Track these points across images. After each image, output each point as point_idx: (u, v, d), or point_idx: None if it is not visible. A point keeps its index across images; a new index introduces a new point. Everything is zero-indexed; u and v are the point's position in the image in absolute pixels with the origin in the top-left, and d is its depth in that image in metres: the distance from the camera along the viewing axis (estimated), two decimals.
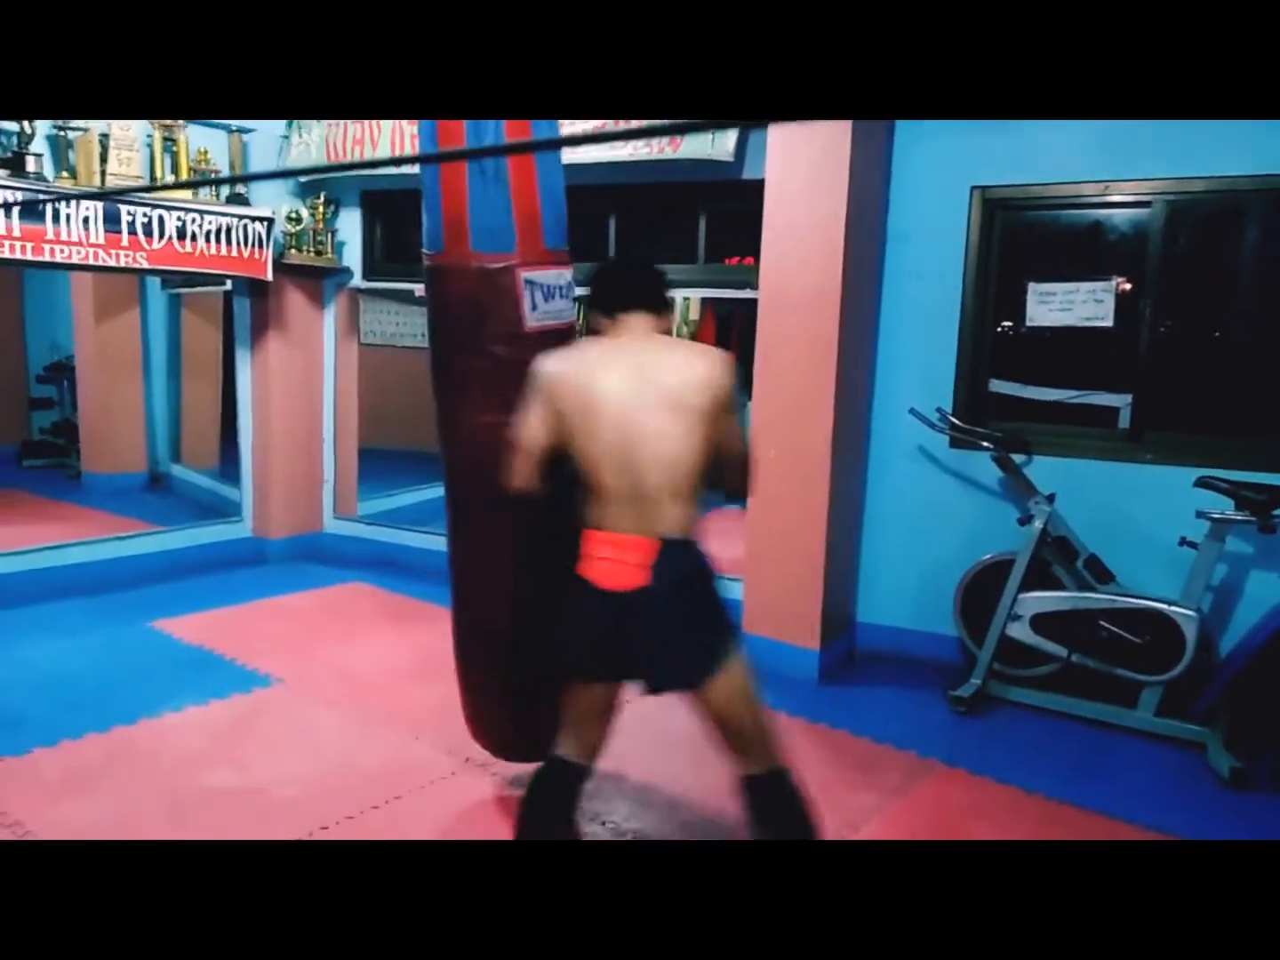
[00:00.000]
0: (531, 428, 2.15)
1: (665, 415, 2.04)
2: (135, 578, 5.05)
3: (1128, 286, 3.99)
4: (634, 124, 3.45)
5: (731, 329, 7.25)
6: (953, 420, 4.09)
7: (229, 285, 5.65)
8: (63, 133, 4.48)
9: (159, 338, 7.28)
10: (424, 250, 2.51)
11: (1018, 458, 3.99)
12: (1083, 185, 3.96)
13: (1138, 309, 3.94)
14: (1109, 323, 3.98)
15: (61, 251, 4.30)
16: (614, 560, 2.06)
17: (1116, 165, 3.86)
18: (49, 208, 4.18)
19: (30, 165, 4.29)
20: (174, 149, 4.86)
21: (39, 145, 4.40)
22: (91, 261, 4.43)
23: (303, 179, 5.52)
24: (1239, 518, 3.42)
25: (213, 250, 4.89)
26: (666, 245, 4.86)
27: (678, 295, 7.91)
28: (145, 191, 4.59)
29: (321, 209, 5.45)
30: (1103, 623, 3.65)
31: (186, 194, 4.85)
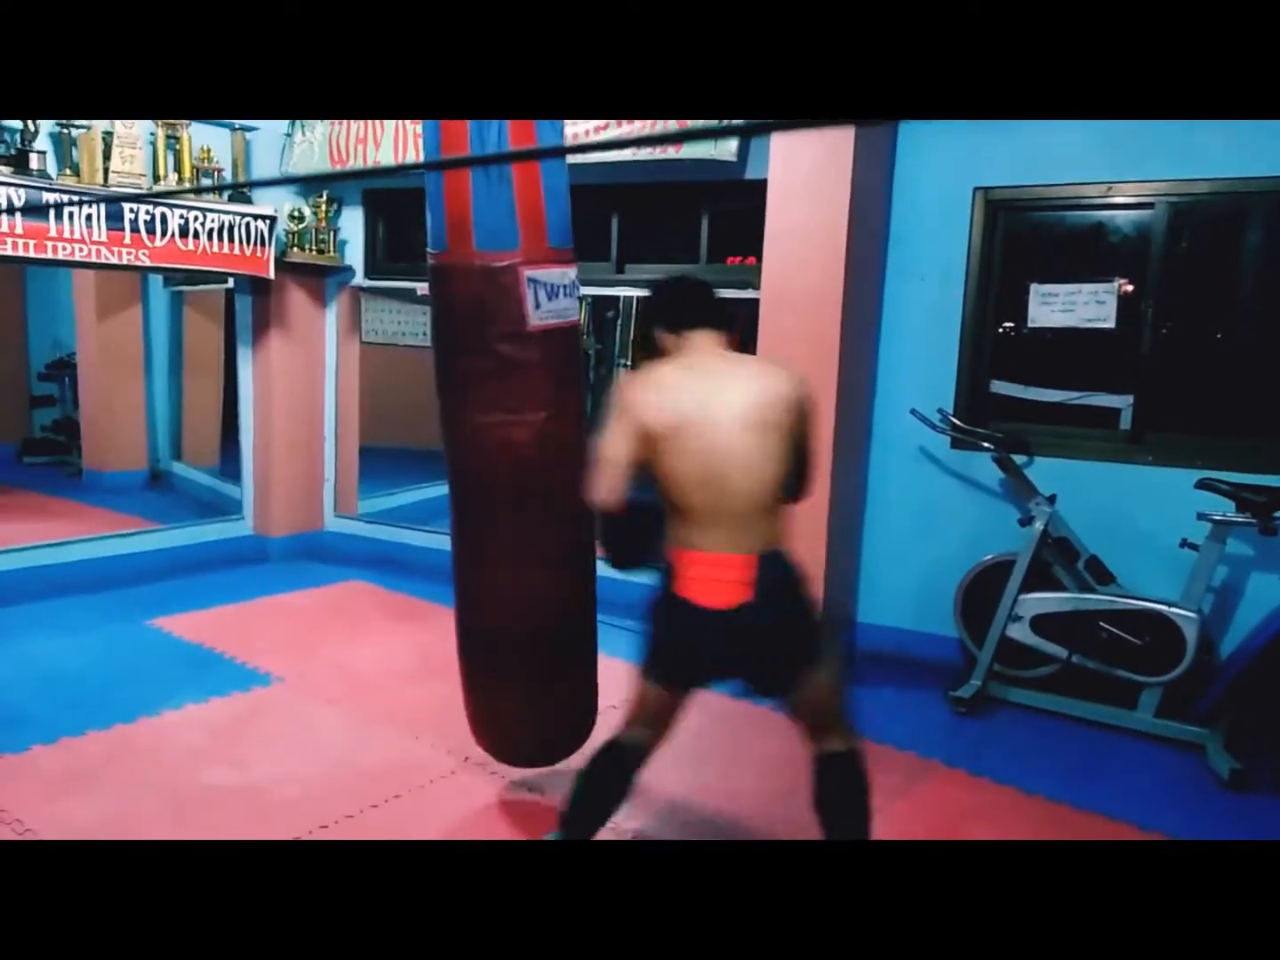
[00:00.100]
0: (617, 445, 2.14)
1: (750, 433, 2.09)
2: (136, 575, 5.05)
3: (1130, 288, 3.99)
4: (637, 131, 3.47)
5: (733, 329, 7.24)
6: (954, 421, 4.09)
7: (231, 283, 5.65)
8: (66, 130, 4.48)
9: (161, 335, 7.29)
10: (428, 250, 2.51)
11: (1019, 459, 3.99)
12: (1085, 187, 3.96)
13: (1139, 310, 3.94)
14: (1111, 324, 3.98)
15: (64, 249, 4.30)
16: (712, 579, 2.10)
17: (1119, 167, 3.86)
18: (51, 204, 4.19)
19: (34, 163, 4.30)
20: (177, 147, 4.87)
21: (42, 142, 4.41)
22: (94, 259, 4.44)
23: None
24: (1240, 519, 3.42)
25: (215, 248, 4.89)
26: (668, 245, 4.86)
27: None
28: (150, 197, 4.59)
29: (324, 207, 5.46)
30: (1103, 624, 3.65)
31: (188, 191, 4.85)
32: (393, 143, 4.99)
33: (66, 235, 4.29)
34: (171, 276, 6.76)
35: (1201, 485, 3.52)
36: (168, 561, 5.25)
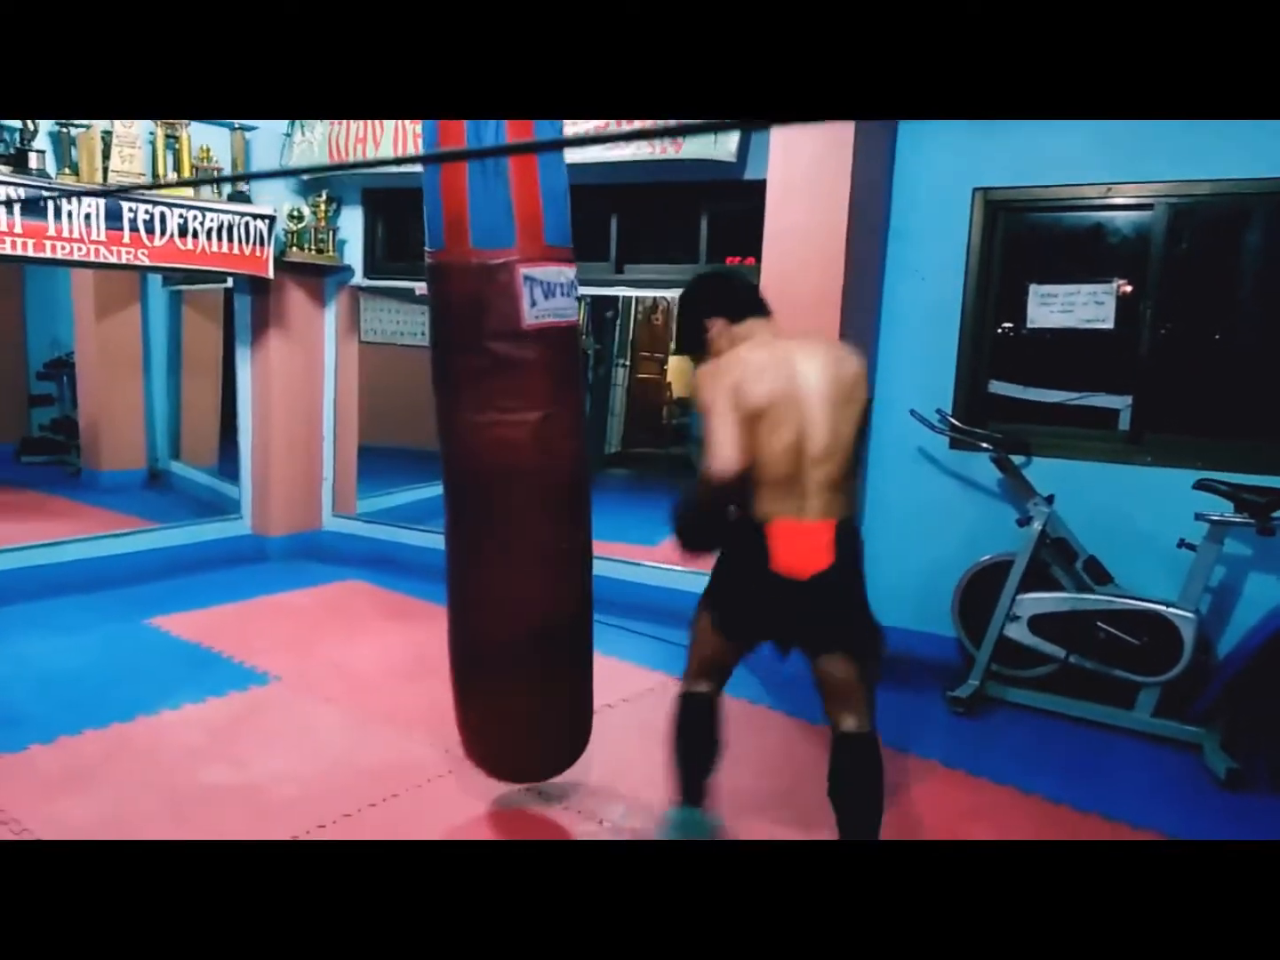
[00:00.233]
0: (728, 425, 2.17)
1: (832, 406, 2.25)
2: (134, 575, 5.05)
3: (1129, 289, 3.99)
4: (635, 125, 3.46)
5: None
6: (952, 421, 4.09)
7: (230, 283, 5.65)
8: (65, 129, 4.48)
9: (159, 335, 7.29)
10: (425, 248, 2.50)
11: (1017, 459, 3.99)
12: (1085, 187, 3.97)
13: (1138, 311, 3.94)
14: (1110, 325, 3.99)
15: (63, 248, 4.30)
16: (802, 546, 2.24)
17: (1119, 168, 3.86)
18: (50, 204, 4.18)
19: (33, 162, 4.30)
20: (176, 146, 4.86)
21: (41, 142, 4.41)
22: (93, 258, 4.43)
23: (305, 177, 5.52)
24: (1238, 520, 3.43)
25: (214, 248, 4.89)
26: (668, 245, 4.86)
27: (678, 295, 7.92)
28: (149, 189, 4.59)
29: (323, 207, 5.46)
30: (1101, 624, 3.66)
31: (188, 191, 4.85)
32: (392, 141, 4.99)
33: (65, 234, 4.29)
34: (170, 276, 6.76)
35: (1200, 486, 3.53)
36: (166, 561, 5.25)
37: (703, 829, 2.52)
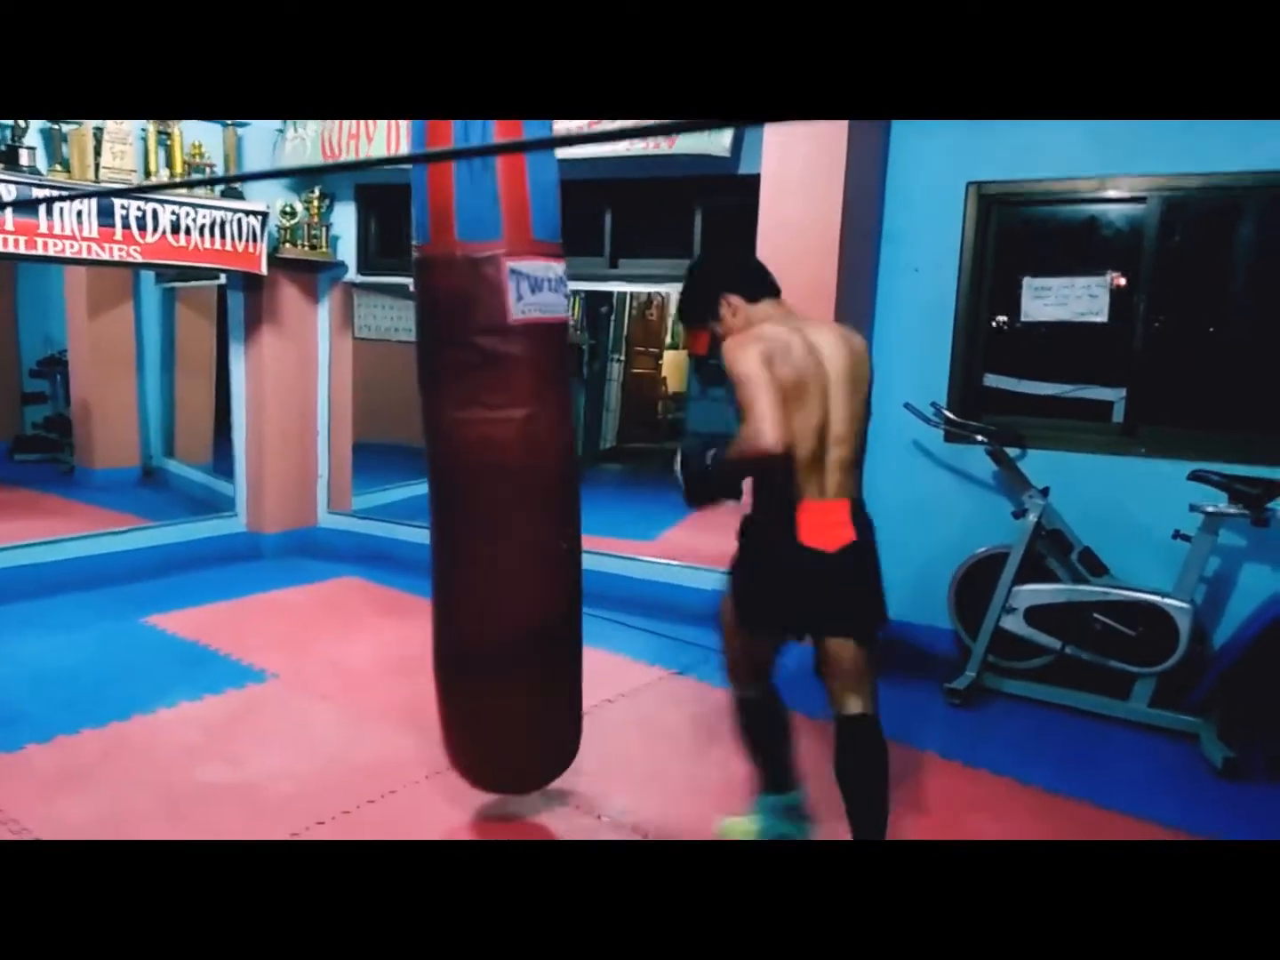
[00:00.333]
0: (776, 410, 2.12)
1: (850, 385, 2.29)
2: (129, 573, 5.04)
3: (1122, 282, 4.00)
4: (627, 123, 3.45)
5: None
6: (947, 415, 4.10)
7: (223, 279, 5.63)
8: (56, 127, 4.46)
9: (152, 332, 7.26)
10: (412, 242, 2.46)
11: (1012, 452, 4.00)
12: (1078, 181, 3.97)
13: (1132, 304, 3.95)
14: (1103, 318, 3.99)
15: (55, 245, 4.28)
16: (828, 523, 2.27)
17: (1112, 161, 3.87)
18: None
19: (24, 159, 4.28)
20: (168, 143, 4.85)
21: (32, 138, 4.38)
22: (85, 255, 4.41)
23: None
24: (1232, 511, 3.44)
25: (206, 244, 4.87)
26: (662, 240, 4.86)
27: (673, 290, 7.91)
28: (142, 191, 4.57)
29: (316, 203, 5.44)
30: (1096, 615, 3.67)
31: (180, 188, 4.83)
32: (385, 139, 4.98)
33: (57, 231, 4.27)
34: (163, 273, 6.73)
35: (1194, 477, 3.54)
36: (161, 559, 5.24)
37: (795, 809, 2.56)
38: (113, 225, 4.47)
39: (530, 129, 2.34)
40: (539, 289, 2.39)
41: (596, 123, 3.95)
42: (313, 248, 5.47)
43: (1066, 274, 4.06)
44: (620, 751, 3.29)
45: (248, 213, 5.03)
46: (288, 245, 5.37)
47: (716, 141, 4.17)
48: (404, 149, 4.88)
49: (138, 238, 4.58)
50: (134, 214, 4.55)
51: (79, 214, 4.33)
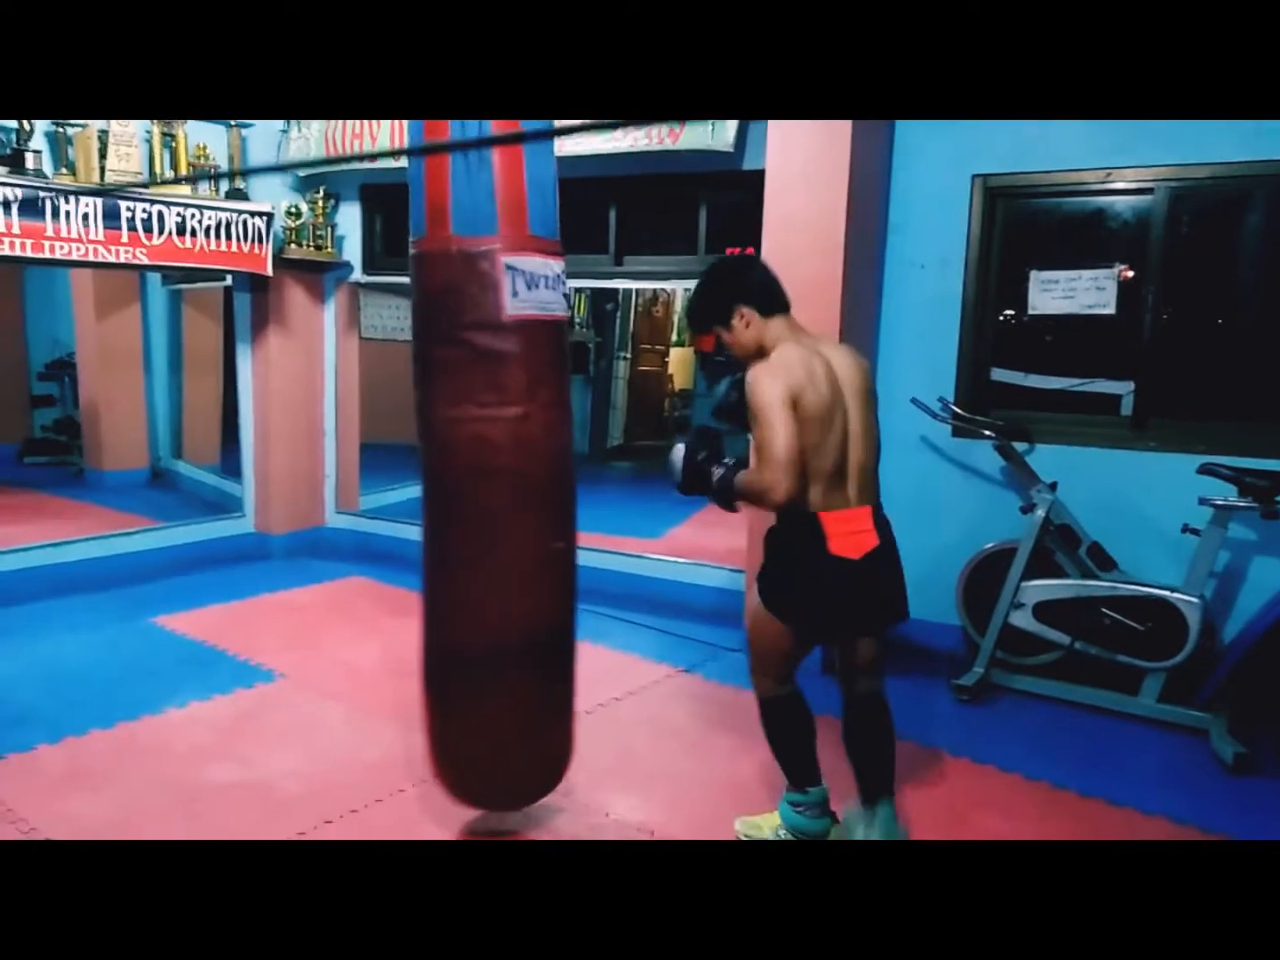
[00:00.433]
0: (789, 435, 2.23)
1: (864, 399, 2.43)
2: (138, 574, 5.06)
3: (1130, 274, 3.98)
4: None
5: None
6: (955, 409, 4.08)
7: (229, 281, 5.65)
8: (62, 129, 4.47)
9: (160, 334, 7.29)
10: (409, 238, 2.42)
11: (1020, 446, 3.98)
12: (1084, 173, 3.95)
13: (1140, 296, 3.93)
14: (1111, 310, 3.97)
15: (61, 248, 4.29)
16: (854, 531, 2.38)
17: (1118, 152, 3.84)
18: (48, 204, 4.18)
19: (30, 162, 4.29)
20: (173, 144, 4.86)
21: (38, 142, 4.40)
22: (91, 258, 4.43)
23: (302, 173, 5.51)
24: (1242, 504, 3.42)
25: (212, 246, 4.89)
26: (667, 237, 4.85)
27: (679, 287, 7.89)
28: (145, 188, 4.59)
29: (321, 203, 5.45)
30: (1105, 610, 3.65)
31: (186, 189, 4.84)
32: (389, 137, 4.98)
33: (63, 234, 4.28)
34: (169, 275, 6.76)
35: (1203, 470, 3.52)
36: (170, 560, 5.26)
37: (822, 804, 2.60)
38: (119, 228, 4.48)
39: (528, 127, 2.33)
40: (535, 285, 2.34)
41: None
42: (318, 248, 5.48)
43: (1074, 267, 4.03)
44: (627, 749, 3.29)
45: (253, 214, 5.05)
46: (293, 246, 5.38)
47: (720, 137, 4.17)
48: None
49: (144, 240, 4.60)
50: (140, 216, 4.56)
51: (85, 216, 4.35)
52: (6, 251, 4.11)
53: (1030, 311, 4.15)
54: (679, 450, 2.50)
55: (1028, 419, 4.07)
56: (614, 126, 1.13)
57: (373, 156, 4.33)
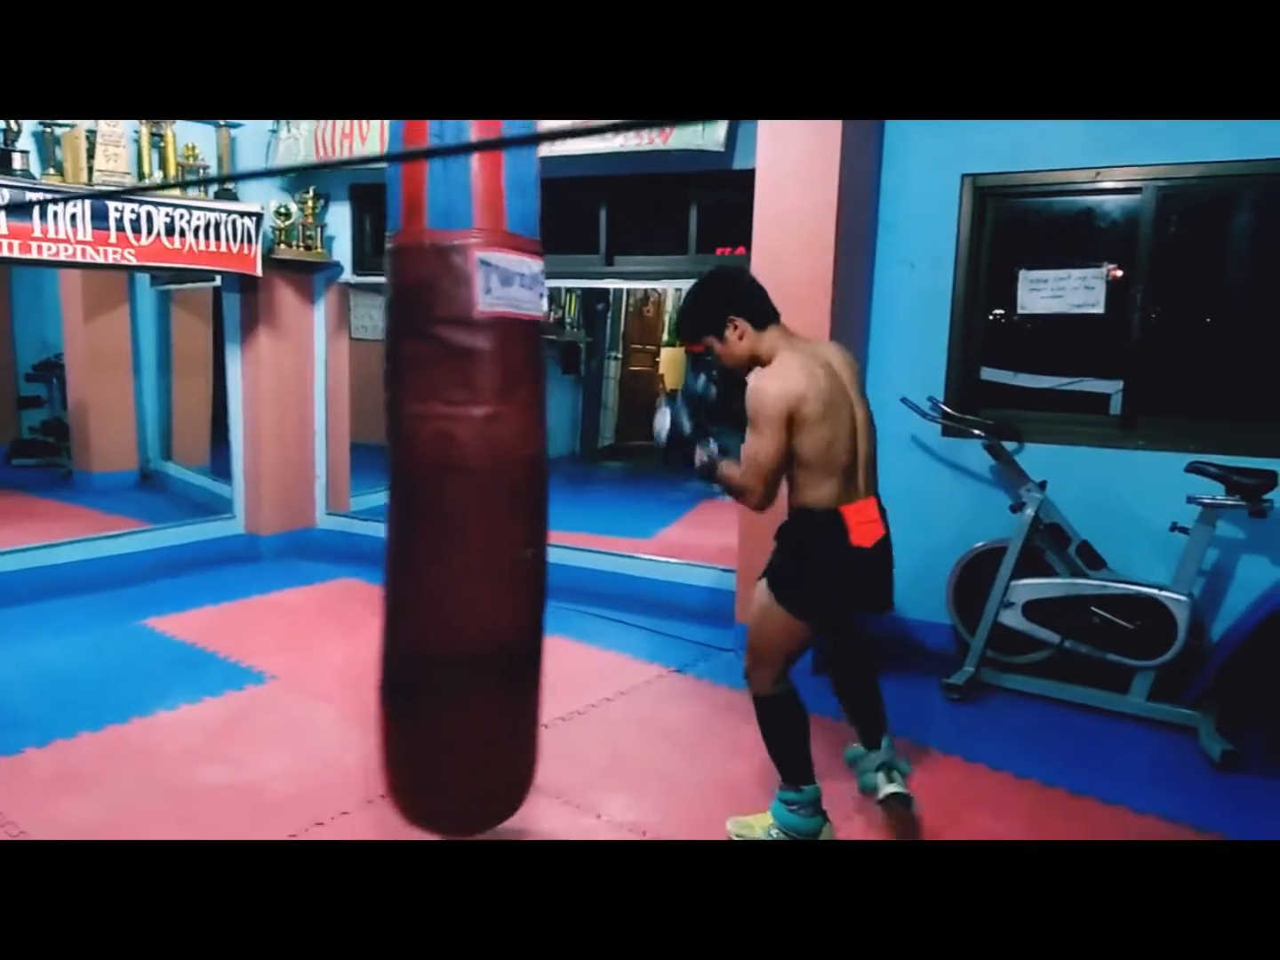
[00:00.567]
0: (772, 450, 2.36)
1: (858, 399, 2.54)
2: (127, 576, 5.04)
3: (1119, 273, 4.00)
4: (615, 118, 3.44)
5: None
6: (944, 409, 4.09)
7: (218, 281, 5.62)
8: (49, 129, 4.45)
9: (149, 335, 7.26)
10: (386, 233, 2.37)
11: (1009, 445, 4.00)
12: (1073, 172, 3.96)
13: (1129, 295, 3.95)
14: (1100, 309, 3.99)
15: (49, 249, 4.27)
16: (866, 522, 2.50)
17: (1107, 152, 3.86)
18: (35, 204, 4.16)
19: (17, 162, 4.27)
20: (161, 144, 4.84)
21: (25, 142, 4.37)
22: (79, 259, 4.41)
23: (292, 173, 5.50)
24: (1230, 502, 3.43)
25: (201, 246, 4.87)
26: (658, 236, 4.85)
27: (670, 287, 7.89)
28: (135, 191, 4.56)
29: (310, 203, 5.43)
30: (1095, 609, 3.67)
31: (174, 189, 4.82)
32: (378, 137, 4.97)
33: (51, 235, 4.26)
34: (158, 275, 6.73)
35: (1192, 469, 3.54)
36: (159, 561, 5.24)
37: (815, 803, 2.63)
38: (107, 228, 4.46)
39: (513, 127, 2.30)
40: (509, 283, 2.28)
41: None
42: (308, 248, 5.47)
43: (1063, 266, 4.05)
44: (619, 749, 3.29)
45: (242, 214, 5.03)
46: (283, 246, 5.36)
47: (710, 136, 4.17)
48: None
49: (132, 240, 4.58)
50: (128, 217, 4.54)
51: (73, 217, 4.32)
52: None
53: (1020, 311, 4.16)
54: (665, 416, 2.58)
55: (1017, 418, 4.09)
56: (602, 131, 1.12)
57: (364, 161, 4.32)
